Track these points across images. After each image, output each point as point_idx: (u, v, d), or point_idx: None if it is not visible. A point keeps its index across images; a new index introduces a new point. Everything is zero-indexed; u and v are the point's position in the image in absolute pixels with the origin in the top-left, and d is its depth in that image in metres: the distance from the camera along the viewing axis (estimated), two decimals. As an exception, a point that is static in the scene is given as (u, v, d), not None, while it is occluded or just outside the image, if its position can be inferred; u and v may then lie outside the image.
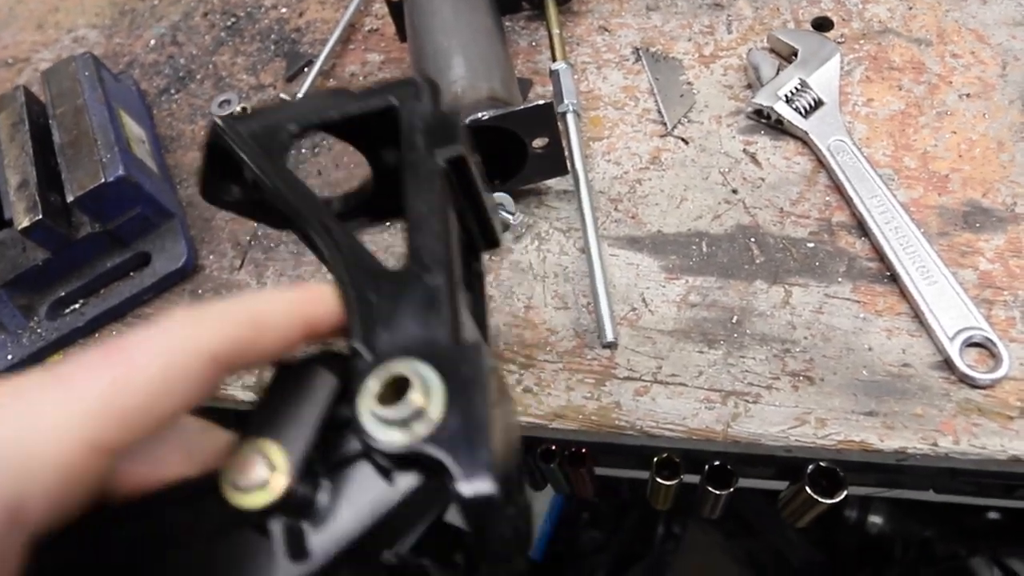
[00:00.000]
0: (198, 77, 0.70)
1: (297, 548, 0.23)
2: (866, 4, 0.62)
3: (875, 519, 1.10)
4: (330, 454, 0.24)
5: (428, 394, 0.23)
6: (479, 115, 0.48)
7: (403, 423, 0.23)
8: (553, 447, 0.55)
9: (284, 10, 0.73)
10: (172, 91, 0.69)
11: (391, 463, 0.24)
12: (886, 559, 1.09)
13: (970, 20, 0.60)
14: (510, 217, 0.54)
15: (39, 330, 0.57)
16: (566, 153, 0.54)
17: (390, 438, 0.23)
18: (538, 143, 0.51)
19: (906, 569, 1.07)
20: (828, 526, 1.10)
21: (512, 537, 0.23)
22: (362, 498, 0.24)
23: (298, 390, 0.25)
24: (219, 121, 0.33)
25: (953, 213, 0.52)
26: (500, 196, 0.54)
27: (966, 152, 0.54)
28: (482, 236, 0.37)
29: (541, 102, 0.48)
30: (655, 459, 0.54)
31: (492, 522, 0.23)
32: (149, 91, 0.70)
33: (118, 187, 0.54)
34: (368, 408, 0.23)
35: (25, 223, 0.53)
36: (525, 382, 0.50)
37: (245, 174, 0.33)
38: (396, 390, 0.24)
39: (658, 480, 0.53)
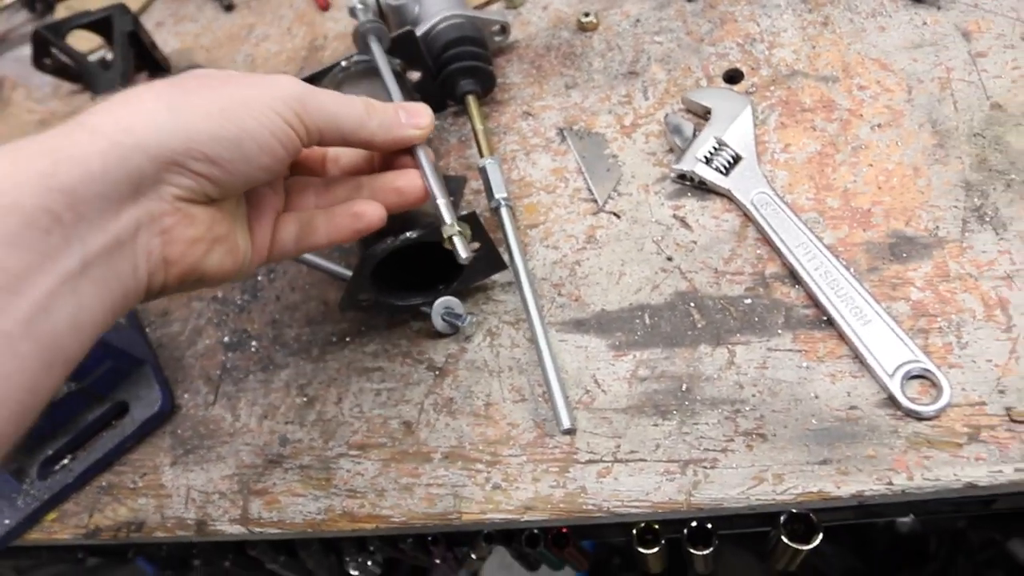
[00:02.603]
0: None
1: None
2: (772, 49, 0.65)
3: (904, 519, 1.10)
4: None
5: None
6: (407, 235, 0.51)
7: None
8: (536, 530, 0.57)
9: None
10: (133, 234, 0.72)
11: None
12: (922, 555, 1.08)
13: (871, 50, 0.63)
14: (460, 321, 0.56)
15: (32, 491, 0.60)
16: (502, 247, 0.57)
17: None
18: (471, 247, 0.53)
19: (944, 562, 1.07)
20: (859, 532, 1.09)
21: None
22: None
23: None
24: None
25: (880, 247, 0.54)
26: (447, 300, 0.57)
27: (884, 183, 0.56)
28: None
29: (464, 213, 0.51)
30: (633, 530, 0.55)
31: None
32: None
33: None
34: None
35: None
36: (493, 479, 0.52)
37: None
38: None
39: (640, 550, 0.54)
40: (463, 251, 0.47)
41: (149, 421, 0.60)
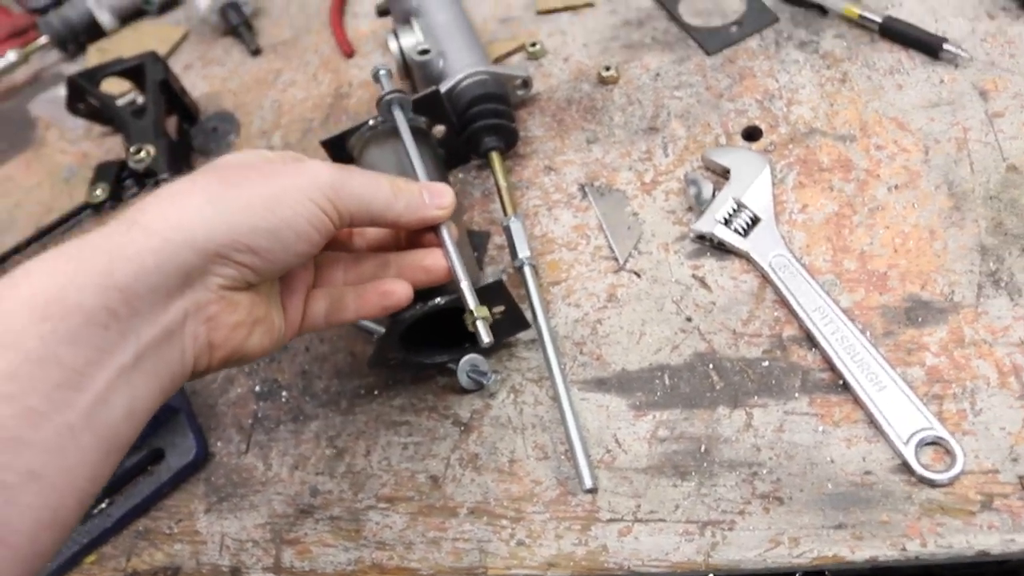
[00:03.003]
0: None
1: None
2: (790, 107, 0.66)
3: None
4: None
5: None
6: (436, 301, 0.52)
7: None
8: (558, 582, 0.58)
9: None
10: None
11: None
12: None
13: (889, 108, 0.64)
14: (485, 379, 0.58)
15: (73, 534, 0.62)
16: (525, 304, 0.58)
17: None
18: (497, 310, 0.55)
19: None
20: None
21: None
22: None
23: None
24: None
25: (895, 311, 0.55)
26: (472, 357, 0.58)
27: (900, 246, 0.57)
28: None
29: (491, 280, 0.53)
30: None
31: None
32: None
33: (125, 402, 0.59)
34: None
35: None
36: (518, 535, 0.53)
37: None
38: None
39: (659, 604, 0.56)
40: (485, 336, 0.48)
41: (184, 469, 0.62)
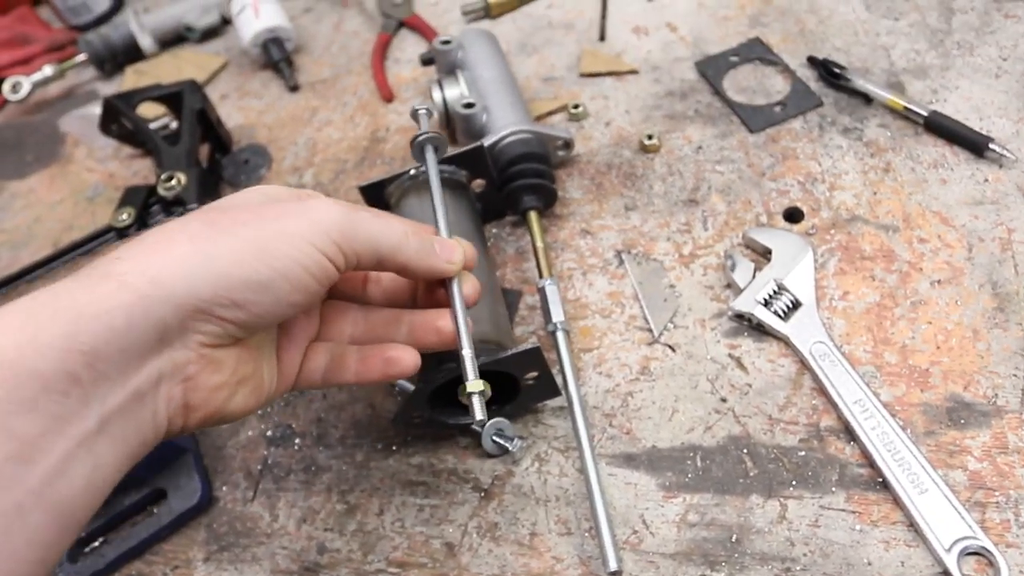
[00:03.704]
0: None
1: None
2: (833, 191, 0.66)
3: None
4: None
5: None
6: (471, 363, 0.51)
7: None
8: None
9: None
10: (182, 310, 0.73)
11: None
12: None
13: (933, 202, 0.63)
14: (510, 444, 0.56)
15: (61, 574, 0.59)
16: (555, 369, 0.57)
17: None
18: (529, 376, 0.54)
19: None
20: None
21: None
22: None
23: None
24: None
25: (937, 410, 0.54)
26: (498, 421, 0.57)
27: (943, 343, 0.56)
28: None
29: (529, 346, 0.51)
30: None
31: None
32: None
33: (134, 439, 0.57)
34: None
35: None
36: (535, 616, 0.51)
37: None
38: None
39: None
40: (479, 413, 0.44)
41: (187, 512, 0.59)
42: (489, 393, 0.45)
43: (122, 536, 0.60)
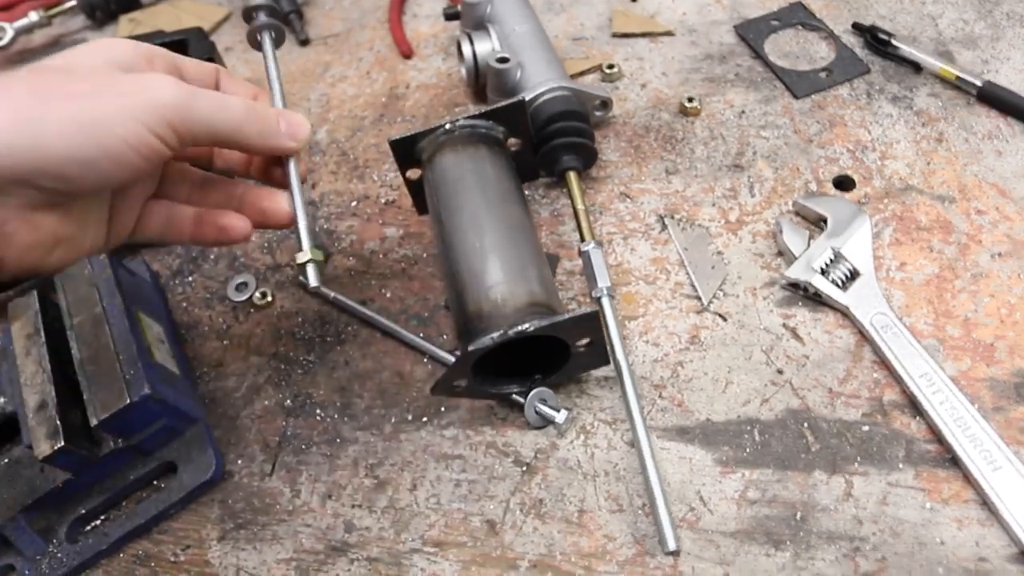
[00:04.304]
0: (211, 257, 0.68)
1: None
2: (884, 160, 0.63)
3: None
4: None
5: None
6: (524, 327, 0.47)
7: None
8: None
9: (297, 181, 0.72)
10: (186, 272, 0.68)
11: None
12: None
13: (989, 174, 0.61)
14: (556, 415, 0.52)
15: (59, 554, 0.54)
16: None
17: None
18: (580, 343, 0.50)
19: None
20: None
21: None
22: None
23: None
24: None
25: (1004, 385, 0.52)
26: (541, 391, 0.53)
27: (1007, 317, 0.54)
28: None
29: (587, 311, 0.47)
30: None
31: None
32: (161, 272, 0.68)
33: (144, 406, 0.52)
34: None
35: (47, 451, 0.50)
36: (586, 598, 0.47)
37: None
38: None
39: None
40: (313, 279, 0.47)
41: (199, 488, 0.55)
42: (324, 263, 0.49)
43: (127, 513, 0.55)
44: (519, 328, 0.47)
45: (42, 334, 0.56)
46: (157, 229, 0.48)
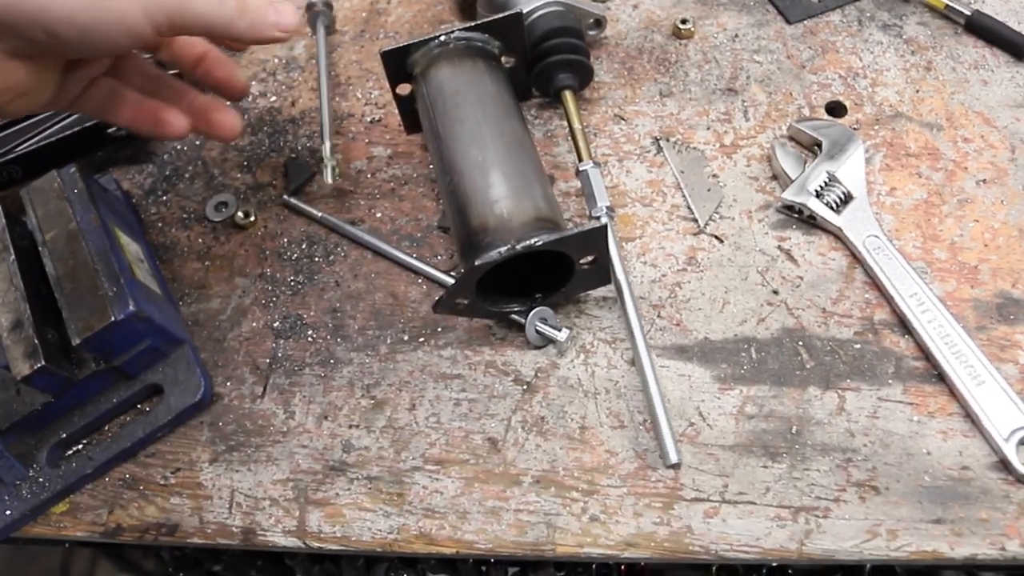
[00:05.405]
0: (186, 176, 0.65)
1: None
2: (875, 88, 0.63)
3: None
4: None
5: None
6: (531, 241, 0.46)
7: None
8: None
9: (274, 99, 0.68)
10: (159, 192, 0.64)
11: None
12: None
13: (975, 103, 0.62)
14: (558, 334, 0.52)
15: (40, 479, 0.52)
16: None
17: None
18: (585, 260, 0.50)
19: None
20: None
21: None
22: None
23: None
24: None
25: (987, 306, 0.53)
26: (541, 310, 0.53)
27: (991, 241, 0.56)
28: None
29: (596, 225, 0.47)
30: (714, 567, 0.53)
31: None
32: (132, 191, 0.65)
33: (128, 325, 0.50)
34: None
35: (25, 371, 0.48)
36: (591, 510, 0.48)
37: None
38: None
39: (721, 591, 0.52)
40: (329, 179, 0.56)
41: (187, 410, 0.53)
42: (339, 168, 0.54)
43: (111, 437, 0.54)
44: (527, 242, 0.46)
45: (11, 250, 0.53)
46: (97, 104, 0.49)
